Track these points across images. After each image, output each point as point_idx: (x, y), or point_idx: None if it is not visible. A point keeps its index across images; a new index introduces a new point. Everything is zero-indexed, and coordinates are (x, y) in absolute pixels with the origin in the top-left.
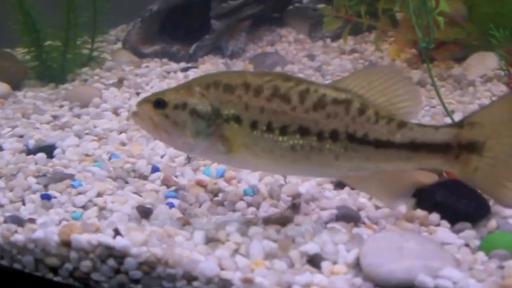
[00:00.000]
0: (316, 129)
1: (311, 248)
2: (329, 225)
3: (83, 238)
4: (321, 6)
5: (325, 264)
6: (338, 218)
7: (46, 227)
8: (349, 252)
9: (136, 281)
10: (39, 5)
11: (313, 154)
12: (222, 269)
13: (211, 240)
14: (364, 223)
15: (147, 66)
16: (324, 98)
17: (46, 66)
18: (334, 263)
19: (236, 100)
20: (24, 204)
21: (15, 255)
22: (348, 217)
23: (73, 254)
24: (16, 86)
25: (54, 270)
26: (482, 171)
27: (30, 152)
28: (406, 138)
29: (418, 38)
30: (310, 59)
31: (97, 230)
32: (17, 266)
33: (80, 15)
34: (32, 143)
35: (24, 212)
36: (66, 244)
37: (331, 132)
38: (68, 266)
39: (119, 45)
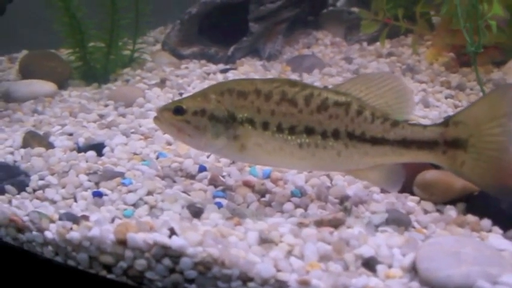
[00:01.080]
0: (320, 129)
1: (366, 251)
2: (380, 228)
3: (138, 237)
4: (355, 9)
5: (380, 268)
6: (389, 222)
7: (101, 225)
8: (405, 256)
9: (191, 281)
10: (83, 7)
11: (318, 151)
12: (278, 270)
13: (265, 241)
14: (413, 227)
15: (186, 68)
16: (326, 101)
17: (89, 67)
18: (390, 266)
19: (249, 105)
20: (76, 201)
21: (70, 252)
22: (399, 221)
23: (128, 253)
24: (61, 85)
25: (108, 268)
26: (468, 165)
27: (81, 149)
28: (399, 136)
29: (458, 42)
30: (348, 62)
31: (151, 229)
32: (71, 262)
33: (123, 17)
34: (81, 141)
35: (76, 209)
36: (122, 243)
37: (333, 131)
38: (123, 264)
39: (158, 46)
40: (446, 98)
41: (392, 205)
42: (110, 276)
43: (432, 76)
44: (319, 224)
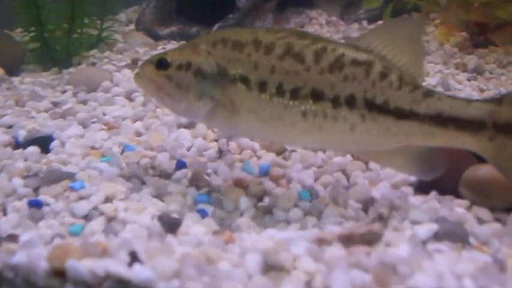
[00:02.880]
0: (331, 94)
1: (424, 282)
2: (430, 245)
3: (83, 265)
4: None
5: None
6: (440, 236)
7: (31, 248)
8: None
9: None
10: None
11: (327, 123)
12: None
13: (271, 268)
14: (469, 243)
15: (163, 49)
16: (341, 58)
17: (48, 48)
18: None
19: (245, 58)
20: (5, 214)
21: None
22: (453, 235)
23: None
24: (12, 71)
25: None
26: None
27: (19, 145)
28: (432, 110)
29: (473, 17)
30: (347, 41)
31: (104, 253)
32: None
33: None
34: (22, 134)
35: (5, 225)
36: (59, 273)
37: (347, 98)
38: None
39: (131, 27)
40: (469, 80)
41: (435, 211)
42: None
43: (445, 58)
44: (348, 240)
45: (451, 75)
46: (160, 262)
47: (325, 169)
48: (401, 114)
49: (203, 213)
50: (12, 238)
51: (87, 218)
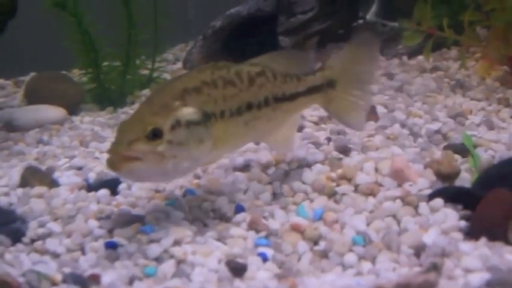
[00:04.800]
0: (256, 101)
1: None
2: None
3: None
4: (387, 22)
5: None
6: (492, 285)
7: None
8: None
9: None
10: (97, 22)
11: (256, 123)
12: None
13: None
14: None
15: None
16: (251, 74)
17: (104, 89)
18: None
19: (208, 98)
20: (84, 254)
21: None
22: (505, 284)
23: None
24: (73, 110)
25: None
26: (335, 103)
27: (91, 187)
28: (304, 87)
29: None
30: (389, 78)
31: None
32: None
33: (141, 32)
34: (92, 176)
35: (84, 265)
36: None
37: (264, 100)
38: None
39: (179, 65)
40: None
41: (487, 259)
42: None
43: (487, 93)
44: None
45: (494, 113)
46: None
47: (377, 214)
48: (292, 97)
49: (264, 257)
50: (95, 278)
51: (158, 260)
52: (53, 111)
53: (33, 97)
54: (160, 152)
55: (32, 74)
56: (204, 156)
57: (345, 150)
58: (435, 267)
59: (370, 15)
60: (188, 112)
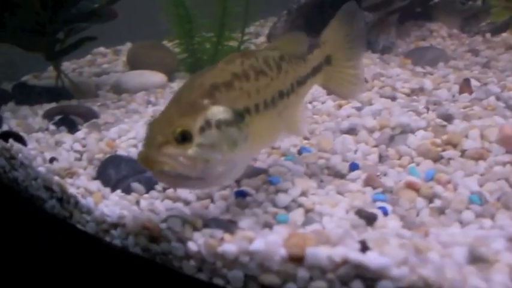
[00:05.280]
0: (285, 89)
1: None
2: None
3: (322, 253)
4: (465, 0)
5: None
6: None
7: (265, 236)
8: None
9: None
10: None
11: (285, 112)
12: None
13: (477, 260)
14: None
15: None
16: (277, 60)
17: (196, 58)
18: None
19: (240, 93)
20: (213, 201)
21: (220, 268)
22: None
23: (302, 273)
24: (170, 77)
25: None
26: (333, 78)
27: None
28: (309, 68)
29: None
30: (474, 55)
31: (328, 241)
32: (218, 281)
33: (235, 5)
34: None
35: (215, 211)
36: (297, 260)
37: (291, 86)
38: (291, 286)
39: (261, 39)
40: None
41: None
42: None
43: None
44: None
45: None
46: (389, 250)
47: (488, 177)
48: (304, 80)
49: (384, 210)
50: (232, 223)
51: (287, 208)
52: (155, 76)
53: (134, 63)
54: (190, 156)
55: (128, 43)
56: (242, 158)
57: (448, 118)
58: None
59: None
60: (218, 111)
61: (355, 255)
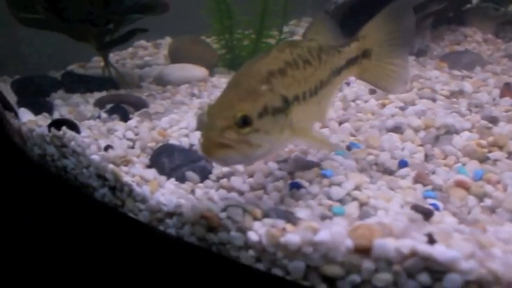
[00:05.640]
0: (325, 78)
1: None
2: None
3: (389, 244)
4: (498, 6)
5: None
6: None
7: (329, 228)
8: None
9: None
10: None
11: (324, 101)
12: None
13: None
14: None
15: None
16: (317, 51)
17: (235, 55)
18: None
19: (292, 80)
20: (266, 192)
21: (280, 259)
22: None
23: (367, 264)
24: (210, 71)
25: (330, 281)
26: (370, 71)
27: None
28: (344, 60)
29: None
30: (510, 60)
31: (391, 234)
32: (277, 272)
33: (275, 3)
34: None
35: (268, 202)
36: (363, 251)
37: (328, 76)
38: (355, 278)
39: (296, 38)
40: None
41: None
42: None
43: None
44: None
45: None
46: (456, 243)
47: None
48: (338, 71)
49: (436, 207)
50: (290, 214)
51: (341, 201)
52: (197, 70)
53: (176, 57)
54: (249, 140)
55: (167, 37)
56: (283, 144)
57: (492, 120)
58: None
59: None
60: (275, 97)
61: (424, 248)
